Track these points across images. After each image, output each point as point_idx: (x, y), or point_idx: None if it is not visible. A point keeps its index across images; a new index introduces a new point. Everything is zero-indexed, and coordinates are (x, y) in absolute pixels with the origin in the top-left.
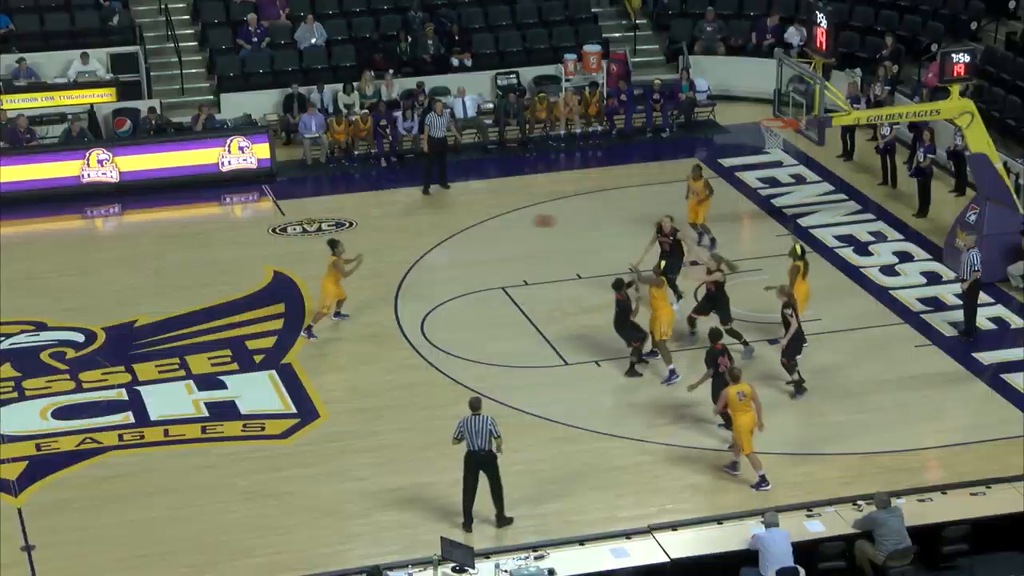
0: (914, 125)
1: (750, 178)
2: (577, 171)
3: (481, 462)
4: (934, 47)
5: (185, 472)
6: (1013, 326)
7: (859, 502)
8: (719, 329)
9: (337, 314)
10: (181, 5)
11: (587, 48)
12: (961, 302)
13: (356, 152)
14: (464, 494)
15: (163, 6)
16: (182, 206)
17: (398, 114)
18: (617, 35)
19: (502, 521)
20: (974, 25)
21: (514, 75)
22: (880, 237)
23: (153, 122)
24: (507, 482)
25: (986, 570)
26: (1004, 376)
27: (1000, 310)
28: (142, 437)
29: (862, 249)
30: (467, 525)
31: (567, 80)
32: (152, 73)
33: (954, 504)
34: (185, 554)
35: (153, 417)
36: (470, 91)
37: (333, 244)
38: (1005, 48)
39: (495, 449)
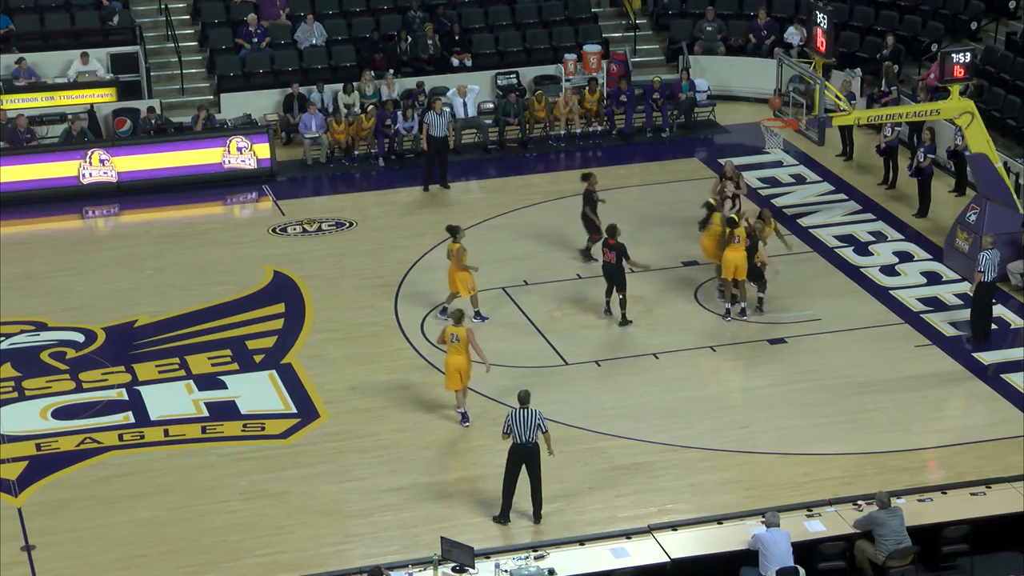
0: (914, 125)
1: (750, 178)
2: (577, 171)
3: (526, 455)
4: (934, 47)
5: (185, 472)
6: (1013, 326)
7: (859, 502)
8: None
9: (444, 310)
10: (181, 5)
11: (587, 48)
12: (961, 302)
13: (356, 152)
14: (505, 486)
15: (163, 6)
16: (182, 206)
17: (398, 113)
18: (617, 35)
19: (539, 517)
20: (974, 25)
21: (514, 75)
22: (880, 237)
23: (153, 122)
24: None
25: (986, 570)
26: (1004, 376)
27: (1000, 310)
28: (142, 437)
29: (862, 249)
30: (503, 517)
31: (567, 80)
32: (152, 73)
33: (954, 504)
34: (185, 554)
35: (153, 417)
36: (471, 85)
37: (454, 231)
38: (1005, 48)
39: (546, 446)
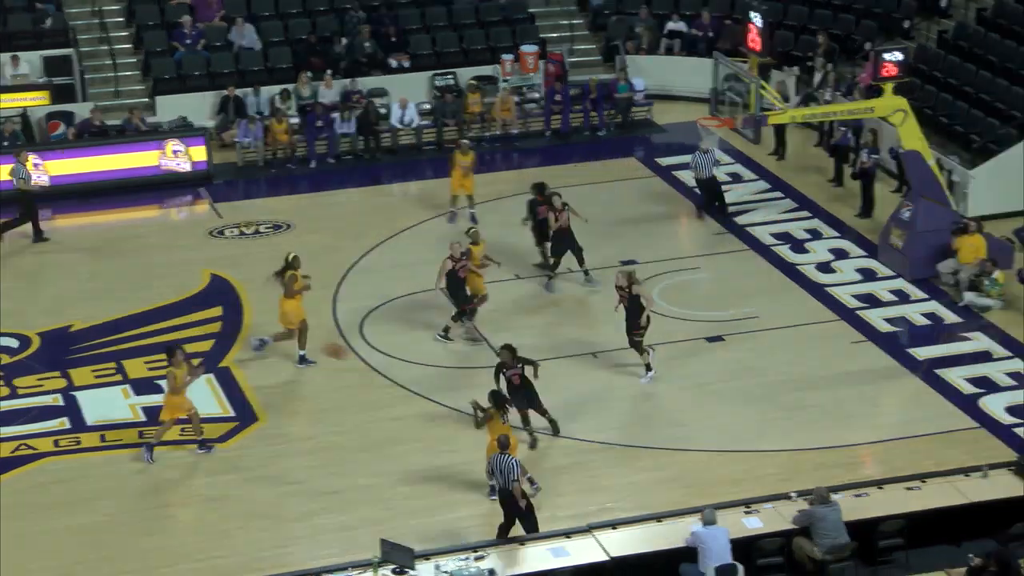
0: (856, 124)
1: (687, 177)
2: (515, 171)
3: (503, 500)
4: (867, 46)
5: (123, 477)
6: (946, 322)
7: (793, 494)
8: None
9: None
10: (115, 7)
11: (524, 48)
12: (896, 298)
13: (295, 154)
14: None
15: (97, 8)
16: (118, 210)
17: (335, 116)
18: (554, 35)
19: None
20: (907, 24)
21: (451, 76)
22: (816, 235)
23: (99, 123)
24: (447, 483)
25: (922, 563)
26: (938, 371)
27: (933, 306)
28: (78, 443)
29: (798, 247)
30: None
31: (505, 80)
32: (86, 76)
33: (890, 499)
34: (123, 560)
35: (89, 422)
36: (409, 96)
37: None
38: (937, 46)
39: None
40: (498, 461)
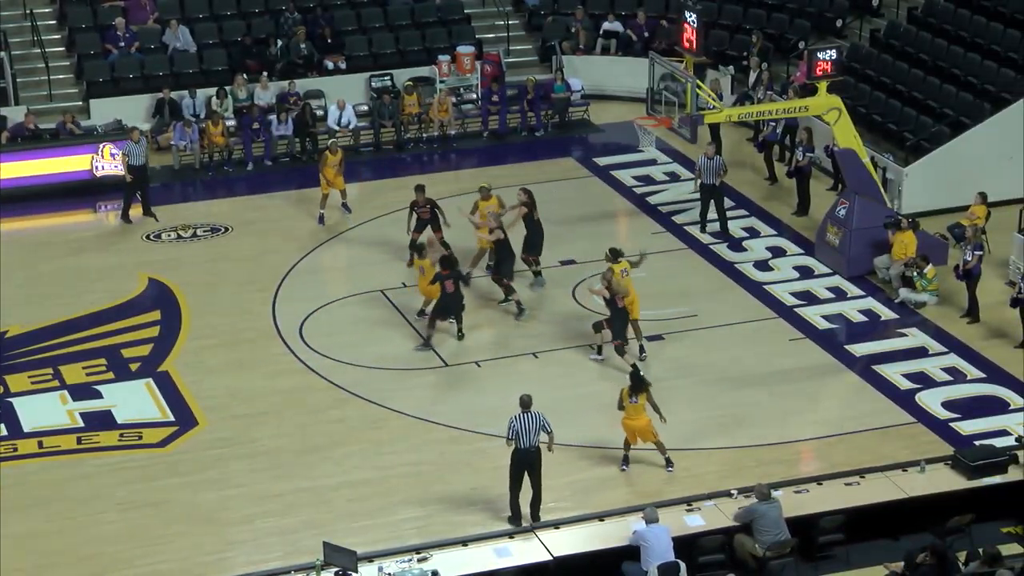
0: (790, 122)
1: (625, 176)
2: (452, 172)
3: (529, 461)
4: (801, 45)
5: (61, 484)
6: (882, 318)
7: (734, 491)
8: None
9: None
10: (47, 10)
11: (460, 49)
12: (833, 296)
13: (232, 156)
14: (512, 493)
15: (28, 11)
16: (54, 214)
17: (272, 118)
18: (490, 36)
19: (537, 517)
20: (839, 23)
21: (388, 77)
22: (753, 233)
23: (32, 127)
24: (390, 485)
25: (861, 558)
26: (875, 367)
27: (870, 302)
28: (15, 450)
29: (735, 245)
30: (515, 520)
31: (441, 81)
32: (18, 79)
33: (829, 494)
34: (63, 567)
35: (26, 429)
36: (346, 98)
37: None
38: (870, 45)
39: (548, 447)
40: (519, 421)
